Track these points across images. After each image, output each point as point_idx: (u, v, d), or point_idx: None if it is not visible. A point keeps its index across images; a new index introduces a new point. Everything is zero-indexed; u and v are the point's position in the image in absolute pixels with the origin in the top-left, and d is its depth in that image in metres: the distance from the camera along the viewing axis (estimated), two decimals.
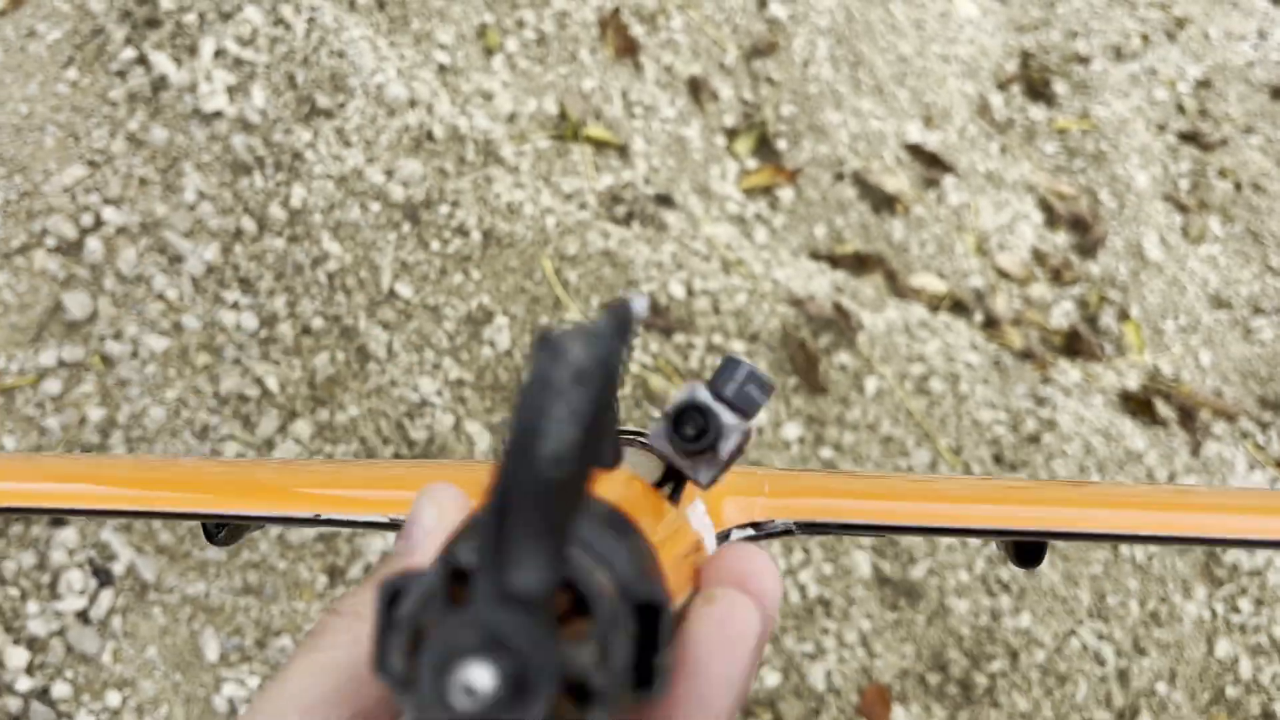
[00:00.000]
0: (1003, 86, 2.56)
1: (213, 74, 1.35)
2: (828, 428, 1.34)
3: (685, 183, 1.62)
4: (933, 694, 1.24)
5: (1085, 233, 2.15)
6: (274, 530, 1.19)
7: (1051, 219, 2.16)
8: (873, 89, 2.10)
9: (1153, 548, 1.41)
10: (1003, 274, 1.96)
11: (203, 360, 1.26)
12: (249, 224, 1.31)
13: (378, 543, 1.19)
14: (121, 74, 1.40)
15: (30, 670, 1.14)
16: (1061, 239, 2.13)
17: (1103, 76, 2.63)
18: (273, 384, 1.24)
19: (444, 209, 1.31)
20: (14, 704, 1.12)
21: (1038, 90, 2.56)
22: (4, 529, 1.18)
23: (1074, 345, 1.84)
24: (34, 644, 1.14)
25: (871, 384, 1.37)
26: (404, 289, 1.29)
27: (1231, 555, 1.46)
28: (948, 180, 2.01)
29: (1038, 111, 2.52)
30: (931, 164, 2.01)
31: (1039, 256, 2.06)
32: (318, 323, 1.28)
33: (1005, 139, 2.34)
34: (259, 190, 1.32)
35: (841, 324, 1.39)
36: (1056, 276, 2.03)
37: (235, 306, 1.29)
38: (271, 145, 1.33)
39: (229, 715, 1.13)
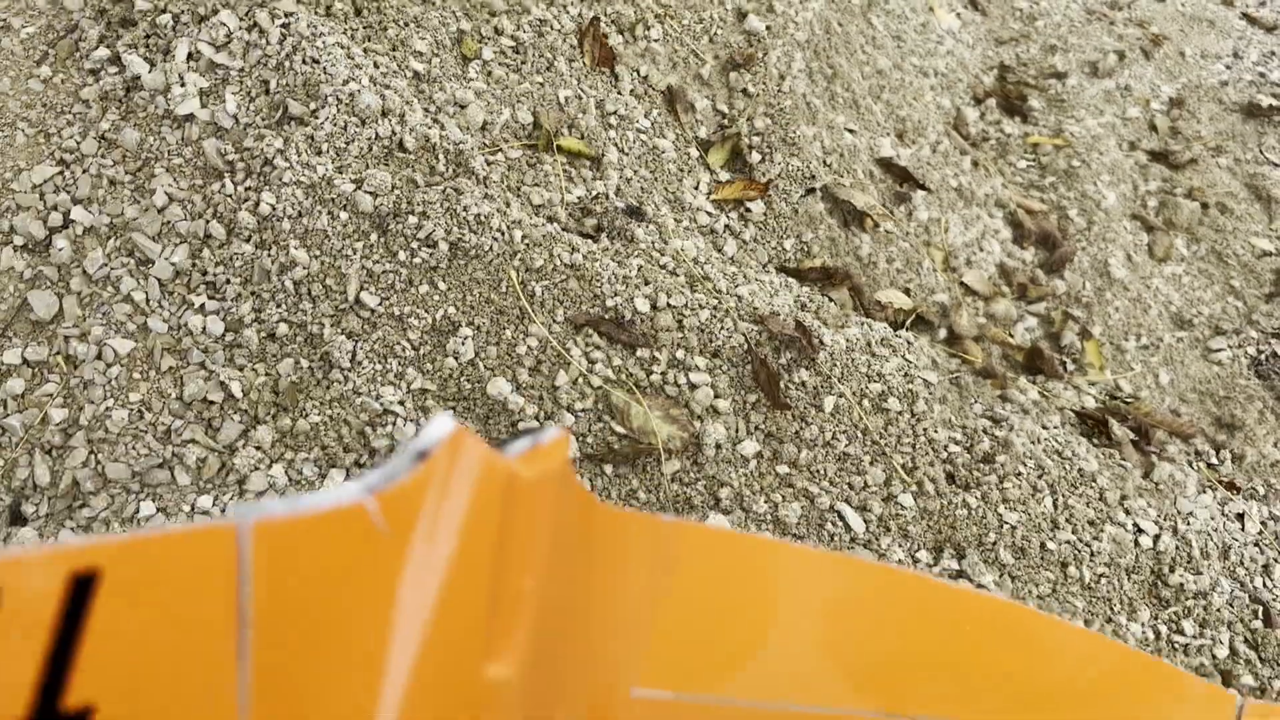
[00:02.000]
0: (979, 100, 2.59)
1: (186, 77, 1.35)
2: (785, 444, 1.36)
3: (658, 194, 1.64)
4: None
5: (1053, 249, 2.17)
6: None
7: (1020, 235, 2.19)
8: (848, 103, 2.11)
9: (1101, 568, 1.44)
10: (968, 290, 1.99)
11: (168, 363, 1.27)
12: (218, 229, 1.32)
13: None
14: (95, 73, 1.41)
15: None
16: (1029, 255, 2.16)
17: (1078, 92, 2.66)
18: (236, 389, 1.26)
19: (412, 219, 1.33)
20: None
21: (1013, 105, 2.58)
22: None
23: (1035, 362, 1.87)
24: None
25: (830, 401, 1.39)
26: (370, 298, 1.30)
27: (1177, 577, 1.49)
28: (918, 196, 2.03)
29: (1012, 126, 2.55)
30: (903, 179, 2.04)
31: (1005, 273, 2.09)
32: (283, 329, 1.29)
33: (978, 153, 2.37)
34: (229, 195, 1.33)
35: (803, 342, 1.41)
36: (1022, 293, 2.06)
37: (202, 310, 1.29)
38: (243, 151, 1.34)
39: None
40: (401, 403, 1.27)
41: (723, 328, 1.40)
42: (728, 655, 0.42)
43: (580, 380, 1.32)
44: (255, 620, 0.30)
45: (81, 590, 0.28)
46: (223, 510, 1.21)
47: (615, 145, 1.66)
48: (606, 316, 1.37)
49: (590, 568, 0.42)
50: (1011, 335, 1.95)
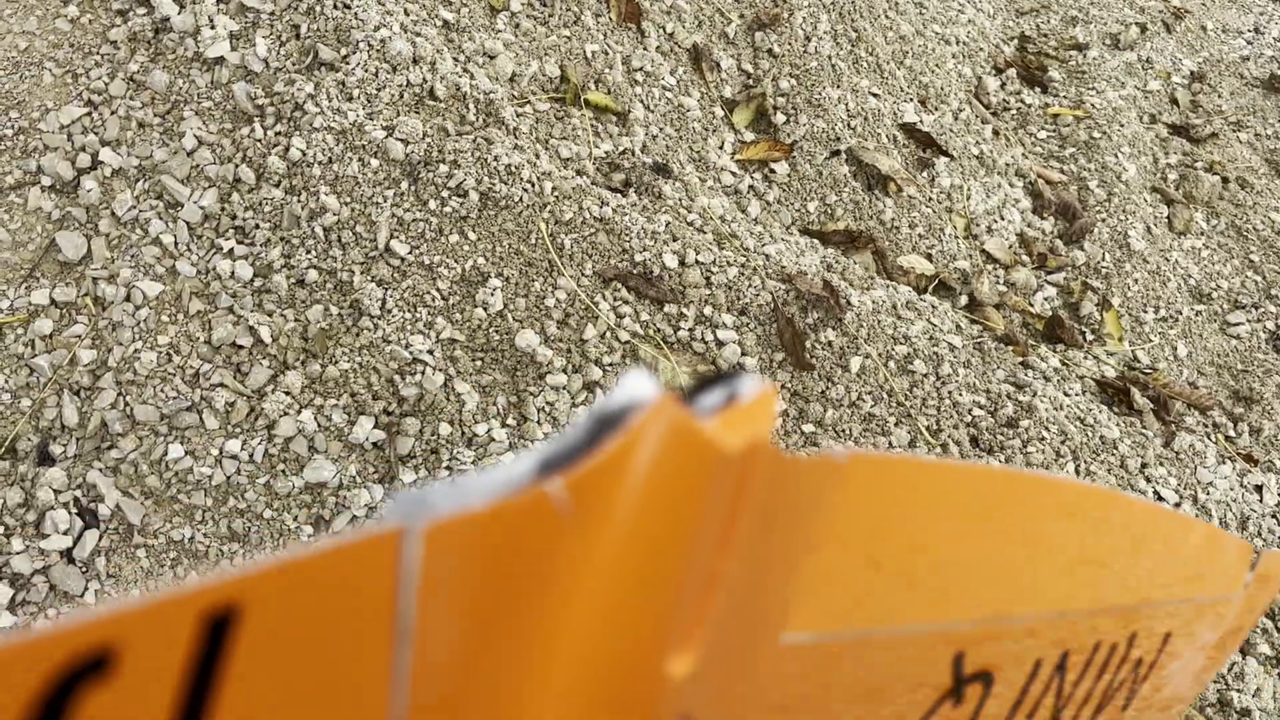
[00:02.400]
0: (999, 70, 2.57)
1: (216, 19, 1.34)
2: (811, 404, 1.36)
3: (683, 152, 1.63)
4: None
5: (1072, 220, 2.17)
6: (261, 479, 1.20)
7: (1040, 205, 2.18)
8: (872, 67, 2.10)
9: None
10: (989, 258, 1.98)
11: (196, 307, 1.27)
12: (248, 173, 1.31)
13: (364, 496, 1.21)
14: (123, 13, 1.39)
15: (12, 607, 1.15)
16: (1048, 225, 2.15)
17: (1099, 64, 2.64)
18: (265, 334, 1.25)
19: (443, 168, 1.32)
20: None
21: (1033, 76, 2.57)
22: None
23: (1055, 331, 1.87)
24: (17, 581, 1.15)
25: (856, 362, 1.39)
26: (400, 246, 1.30)
27: None
28: (941, 162, 2.02)
29: (1032, 97, 2.53)
30: (926, 145, 2.03)
31: (1025, 242, 2.08)
32: (312, 275, 1.29)
33: (999, 123, 2.35)
34: (259, 140, 1.32)
35: (830, 302, 1.40)
36: (1042, 262, 2.05)
37: (231, 255, 1.29)
38: (273, 95, 1.33)
39: None
40: (430, 352, 1.27)
41: (750, 286, 1.40)
42: (883, 585, 0.39)
43: (608, 334, 1.32)
44: (416, 634, 0.27)
45: (216, 634, 0.24)
46: (251, 456, 1.21)
47: (641, 102, 1.64)
48: (635, 271, 1.36)
49: (769, 528, 0.37)
50: (1031, 304, 1.95)
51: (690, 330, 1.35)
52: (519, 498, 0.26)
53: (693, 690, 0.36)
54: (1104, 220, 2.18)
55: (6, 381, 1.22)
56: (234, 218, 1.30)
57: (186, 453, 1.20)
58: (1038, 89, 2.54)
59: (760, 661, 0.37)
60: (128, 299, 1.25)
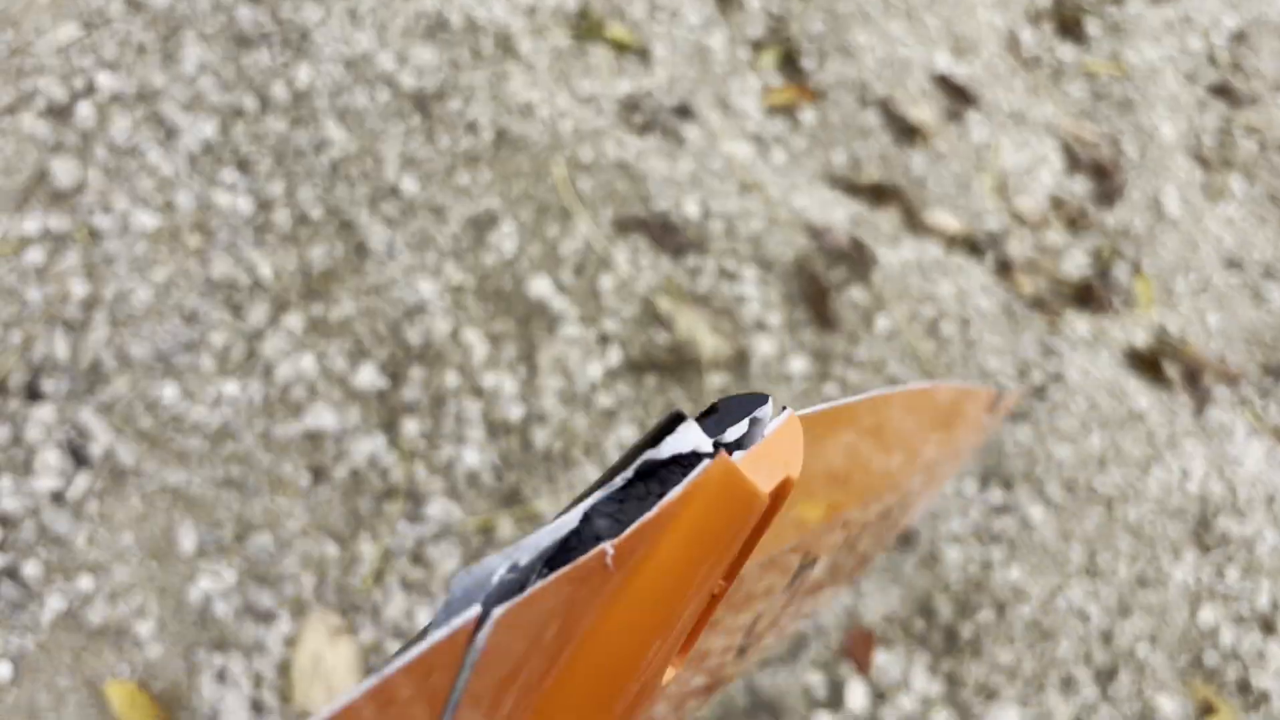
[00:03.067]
0: (1034, 21, 2.48)
1: None
2: (834, 364, 1.30)
3: (706, 95, 1.56)
4: (916, 640, 1.23)
5: (1105, 181, 2.09)
6: (258, 423, 1.16)
7: (1072, 164, 2.11)
8: (903, 13, 2.02)
9: (1148, 509, 1.39)
10: (1019, 218, 1.91)
11: (194, 242, 1.21)
12: (250, 102, 1.24)
13: (365, 445, 1.16)
14: None
15: (1, 548, 1.11)
16: (1080, 186, 2.08)
17: (1137, 20, 2.55)
18: (266, 272, 1.19)
19: (456, 103, 1.25)
20: None
21: (1069, 28, 2.47)
22: None
23: (1084, 296, 1.81)
24: (5, 521, 1.11)
25: (882, 322, 1.33)
26: (409, 184, 1.24)
27: (1222, 523, 1.45)
28: (972, 115, 1.95)
29: (1067, 51, 2.45)
30: (957, 97, 1.95)
31: (1056, 202, 2.01)
32: (316, 212, 1.23)
33: (1032, 77, 2.27)
34: (263, 68, 1.25)
35: (856, 258, 1.34)
36: (1073, 224, 1.98)
37: (231, 188, 1.23)
38: (279, 20, 1.26)
39: (203, 609, 1.11)
40: (438, 297, 1.21)
41: (774, 238, 1.34)
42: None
43: (625, 285, 1.26)
44: (461, 702, 0.26)
45: None
46: (249, 399, 1.16)
47: (663, 40, 1.57)
48: (654, 219, 1.30)
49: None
50: (1060, 268, 1.88)
51: (710, 283, 1.30)
52: (580, 567, 0.26)
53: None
54: (1137, 183, 2.11)
55: None
56: (235, 149, 1.24)
57: (182, 393, 1.15)
58: (1073, 42, 2.45)
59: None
60: (123, 230, 1.20)
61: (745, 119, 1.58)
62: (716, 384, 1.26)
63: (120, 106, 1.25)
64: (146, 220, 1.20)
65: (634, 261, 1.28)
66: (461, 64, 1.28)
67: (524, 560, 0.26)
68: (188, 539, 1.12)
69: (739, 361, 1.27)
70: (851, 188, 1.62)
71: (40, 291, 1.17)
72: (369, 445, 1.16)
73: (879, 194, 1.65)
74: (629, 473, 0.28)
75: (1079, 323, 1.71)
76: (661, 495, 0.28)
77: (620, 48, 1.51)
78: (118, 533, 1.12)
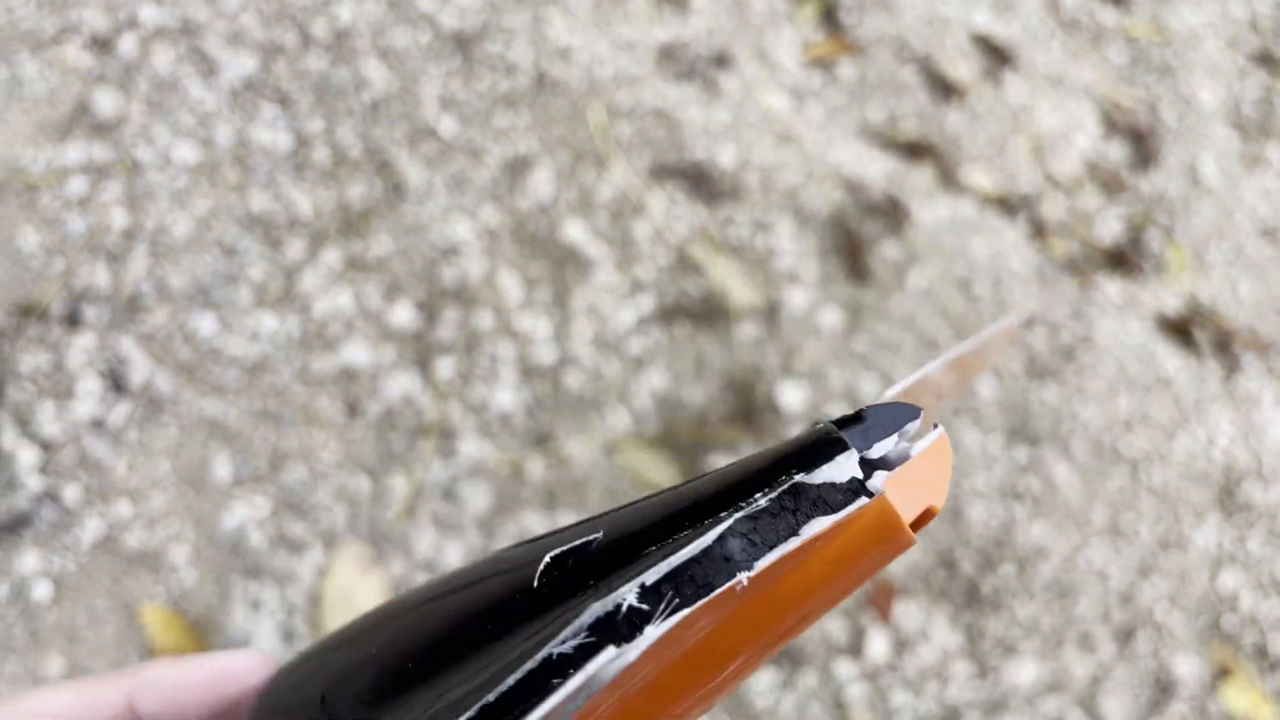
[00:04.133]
0: None
1: None
2: (865, 317, 1.31)
3: (744, 46, 1.55)
4: (936, 593, 1.24)
5: (1141, 146, 2.08)
6: (295, 357, 1.17)
7: (1109, 128, 2.09)
8: None
9: (1173, 473, 1.40)
10: (1053, 180, 1.90)
11: (234, 177, 1.22)
12: (291, 39, 1.25)
13: (399, 382, 1.18)
14: None
15: (42, 471, 1.13)
16: (1116, 151, 2.06)
17: None
18: (304, 209, 1.20)
19: (496, 45, 1.25)
20: (24, 502, 1.11)
21: None
22: (20, 327, 1.16)
23: (1116, 261, 1.80)
24: (47, 445, 1.13)
25: (914, 278, 1.33)
26: (447, 125, 1.24)
27: (1247, 489, 1.45)
28: (1010, 76, 1.93)
29: (1107, 14, 2.42)
30: (996, 57, 1.93)
31: (1091, 166, 1.99)
32: (355, 151, 1.23)
33: (1071, 40, 2.24)
34: (304, 5, 1.26)
35: (892, 213, 1.34)
36: (1107, 189, 1.97)
37: (271, 124, 1.24)
38: None
39: (237, 537, 1.13)
40: (474, 238, 1.22)
41: (809, 191, 1.34)
42: None
43: (659, 233, 1.27)
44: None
45: None
46: (286, 333, 1.17)
47: None
48: (690, 168, 1.30)
49: None
50: (1093, 232, 1.87)
51: (744, 234, 1.30)
52: (717, 597, 0.24)
53: None
54: (1174, 149, 2.09)
55: (39, 242, 1.18)
56: (276, 85, 1.25)
57: (220, 326, 1.17)
58: (1113, 5, 2.42)
59: None
60: (164, 163, 1.21)
61: (783, 71, 1.58)
62: (747, 333, 1.27)
63: (162, 40, 1.25)
64: (187, 153, 1.21)
65: (668, 209, 1.28)
66: (502, 6, 1.28)
67: (652, 581, 0.24)
68: (223, 469, 1.14)
69: (770, 312, 1.28)
70: (888, 143, 1.62)
71: (82, 221, 1.19)
72: (403, 382, 1.17)
73: (915, 151, 1.64)
74: (774, 494, 0.25)
75: (1110, 287, 1.70)
76: (803, 518, 0.25)
77: None
78: (155, 460, 1.15)
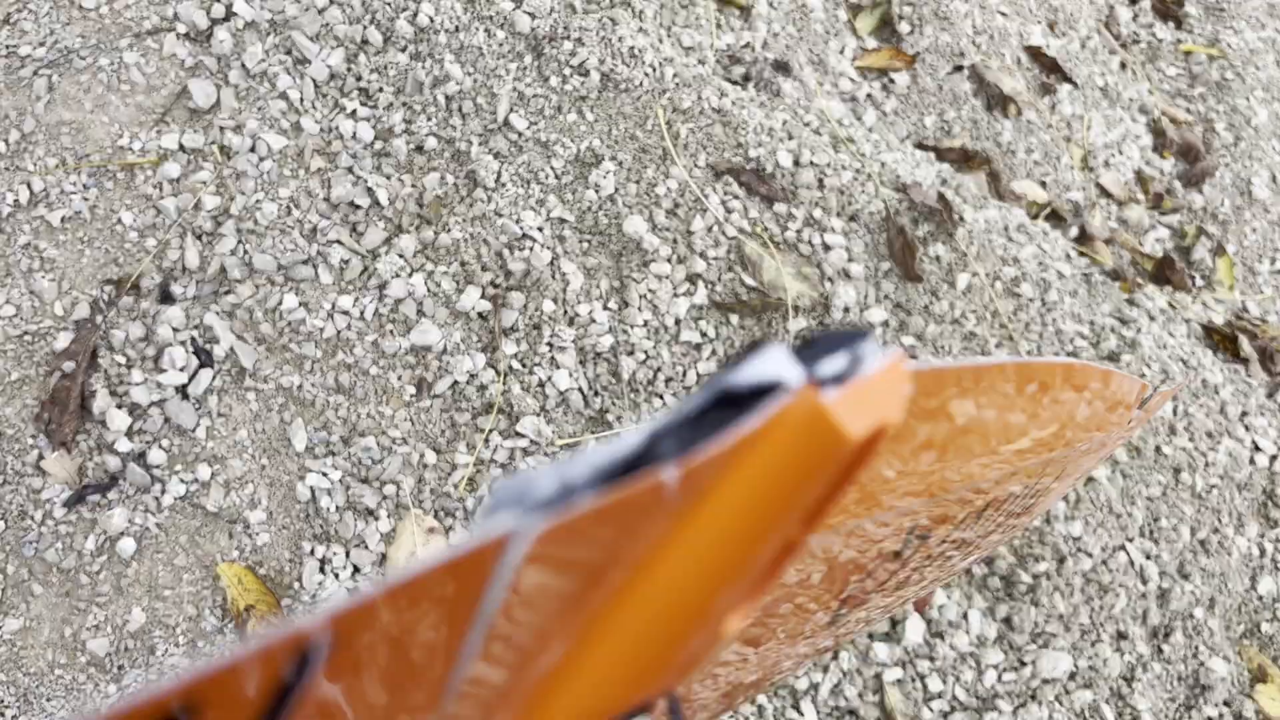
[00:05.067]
0: (1133, 0, 2.47)
1: None
2: (914, 316, 1.35)
3: (803, 53, 1.60)
4: (976, 585, 1.28)
5: (1194, 162, 2.09)
6: (369, 336, 1.24)
7: (1161, 144, 2.11)
8: None
9: (1214, 479, 1.42)
10: (1104, 191, 1.93)
11: (317, 164, 1.29)
12: (375, 35, 1.32)
13: (466, 363, 1.24)
14: None
15: (130, 434, 1.20)
16: (1169, 165, 2.08)
17: (1239, 3, 2.52)
18: (383, 196, 1.27)
19: (567, 45, 1.31)
20: (113, 463, 1.19)
21: (1169, 9, 2.46)
22: (115, 299, 1.24)
23: (1164, 272, 1.82)
24: (135, 410, 1.21)
25: (963, 279, 1.37)
26: (518, 121, 1.30)
27: None
28: (1064, 89, 1.96)
29: (1165, 31, 2.43)
30: (1050, 70, 1.96)
31: (1142, 179, 2.02)
32: (431, 143, 1.30)
33: (1127, 55, 2.27)
34: (388, 3, 1.33)
35: (943, 215, 1.38)
36: (1157, 202, 1.99)
37: (354, 116, 1.31)
38: None
39: (310, 503, 1.20)
40: (540, 229, 1.28)
41: (863, 192, 1.38)
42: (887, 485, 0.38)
43: (715, 228, 1.32)
44: (494, 621, 0.25)
45: (299, 669, 0.23)
46: (362, 313, 1.24)
47: None
48: (748, 167, 1.35)
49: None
50: (1142, 243, 1.90)
51: (798, 232, 1.35)
52: (633, 491, 0.23)
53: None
54: (1227, 165, 2.11)
55: (135, 220, 1.26)
56: (359, 79, 1.32)
57: (300, 304, 1.23)
58: (1171, 23, 2.44)
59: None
60: (253, 149, 1.28)
61: (840, 78, 1.62)
62: (800, 325, 1.32)
63: (255, 33, 1.33)
64: (275, 141, 1.28)
65: (726, 206, 1.33)
66: (574, 9, 1.35)
67: (577, 477, 0.24)
68: (299, 438, 1.21)
69: (821, 307, 1.32)
70: (941, 150, 1.66)
71: (175, 202, 1.26)
72: (469, 363, 1.23)
73: (967, 158, 1.68)
74: (703, 397, 0.25)
75: (1157, 296, 1.73)
76: (730, 419, 0.24)
77: (724, 2, 1.56)
78: (235, 428, 1.22)
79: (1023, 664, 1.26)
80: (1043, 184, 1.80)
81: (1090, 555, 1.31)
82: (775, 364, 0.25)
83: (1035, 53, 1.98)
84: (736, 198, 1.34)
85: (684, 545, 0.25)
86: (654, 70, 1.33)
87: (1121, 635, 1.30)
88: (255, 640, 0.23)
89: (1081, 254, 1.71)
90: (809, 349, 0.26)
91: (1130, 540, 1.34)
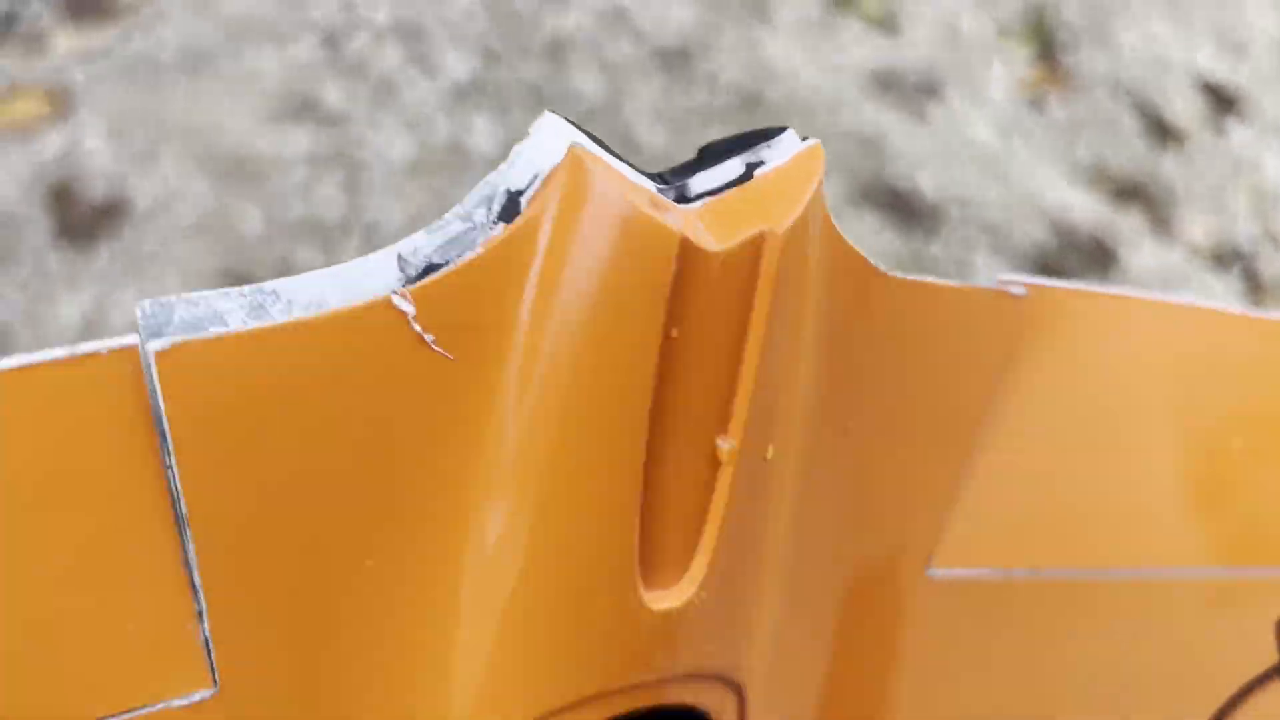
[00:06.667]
0: None
1: None
2: None
3: (953, 75, 1.52)
4: None
5: None
6: None
7: None
8: (1168, 9, 1.91)
9: None
10: (1275, 237, 1.79)
11: (445, 175, 1.27)
12: (510, 46, 1.30)
13: None
14: None
15: None
16: None
17: None
18: None
19: (705, 62, 1.27)
20: None
21: None
22: None
23: None
24: None
25: None
26: (652, 136, 1.26)
27: None
28: (1233, 122, 1.83)
29: None
30: (1219, 101, 1.83)
31: None
32: None
33: None
34: (525, 14, 1.30)
35: (1097, 255, 1.29)
36: None
37: (483, 128, 1.28)
38: None
39: None
40: None
41: (1011, 224, 1.30)
42: (1066, 511, 0.30)
43: None
44: (187, 504, 0.20)
45: None
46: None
47: (915, 18, 1.54)
48: (890, 191, 1.28)
49: (859, 376, 0.26)
50: None
51: (941, 259, 1.27)
52: (356, 310, 0.19)
53: (715, 635, 0.25)
54: None
55: (263, 221, 1.26)
56: (493, 90, 1.29)
57: None
58: None
59: (903, 593, 0.27)
60: (381, 158, 1.27)
61: (991, 103, 1.54)
62: None
63: (389, 40, 1.32)
64: (404, 149, 1.27)
65: (865, 230, 1.27)
66: (716, 25, 1.30)
67: (273, 306, 0.19)
68: None
69: None
70: (1097, 183, 1.56)
71: (303, 206, 1.26)
72: None
73: (1125, 194, 1.57)
74: (466, 208, 0.21)
75: None
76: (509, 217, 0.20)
77: (871, 21, 1.49)
78: None
79: None
80: (1207, 224, 1.68)
81: None
82: (551, 130, 0.21)
83: (1202, 82, 1.86)
84: (876, 222, 1.27)
85: (497, 411, 0.21)
86: (794, 89, 1.28)
87: None
88: None
89: (1247, 301, 1.59)
90: (695, 161, 0.23)
91: None
